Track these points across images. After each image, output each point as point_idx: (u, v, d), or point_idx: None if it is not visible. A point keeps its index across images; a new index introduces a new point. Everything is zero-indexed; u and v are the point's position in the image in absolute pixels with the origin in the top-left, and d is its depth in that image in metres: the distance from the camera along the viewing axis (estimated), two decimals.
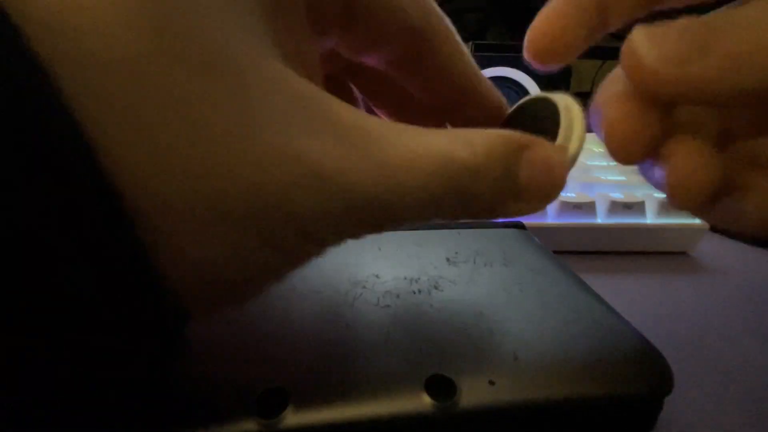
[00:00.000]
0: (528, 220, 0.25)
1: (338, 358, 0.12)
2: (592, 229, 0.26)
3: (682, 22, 0.09)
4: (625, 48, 0.09)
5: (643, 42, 0.09)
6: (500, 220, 0.26)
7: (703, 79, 0.09)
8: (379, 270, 0.17)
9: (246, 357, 0.12)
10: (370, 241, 0.20)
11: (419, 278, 0.17)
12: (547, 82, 0.40)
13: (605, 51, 0.53)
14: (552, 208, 0.27)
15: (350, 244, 0.22)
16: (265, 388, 0.11)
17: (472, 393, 0.11)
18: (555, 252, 0.20)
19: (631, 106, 0.10)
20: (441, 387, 0.11)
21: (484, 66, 0.39)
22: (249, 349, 0.13)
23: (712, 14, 0.09)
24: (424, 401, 0.11)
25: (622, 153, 0.10)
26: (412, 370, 0.12)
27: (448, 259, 0.18)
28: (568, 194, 0.27)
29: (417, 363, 0.12)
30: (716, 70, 0.08)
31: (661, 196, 0.27)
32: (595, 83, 0.65)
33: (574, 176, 0.30)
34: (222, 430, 0.10)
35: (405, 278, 0.17)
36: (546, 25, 0.11)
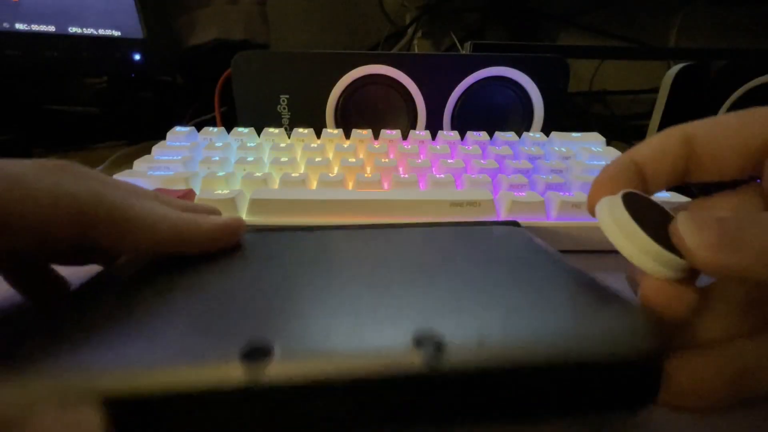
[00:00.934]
0: (528, 220, 0.25)
1: (327, 319, 0.12)
2: (592, 228, 0.26)
3: (719, 216, 0.12)
4: (672, 229, 0.13)
5: (687, 228, 0.12)
6: (499, 219, 0.26)
7: (731, 266, 0.11)
8: (377, 265, 0.17)
9: (232, 314, 0.13)
10: (370, 239, 0.20)
11: (415, 272, 0.17)
12: (546, 82, 0.40)
13: (603, 51, 0.53)
14: (552, 208, 0.27)
15: (347, 242, 0.22)
16: (249, 341, 0.11)
17: (461, 351, 0.11)
18: None
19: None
20: (430, 345, 0.11)
21: (483, 66, 0.39)
22: (238, 314, 0.13)
23: (741, 213, 0.13)
24: (413, 358, 0.11)
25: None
26: (401, 328, 0.12)
27: (445, 257, 0.18)
28: (567, 194, 0.27)
29: (406, 322, 0.12)
30: (743, 261, 0.11)
31: (659, 195, 0.27)
32: (592, 83, 0.65)
33: (573, 176, 0.30)
34: (207, 382, 0.10)
35: (400, 272, 0.17)
36: (597, 191, 0.16)
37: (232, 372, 0.11)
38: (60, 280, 0.20)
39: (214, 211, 0.21)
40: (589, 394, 0.12)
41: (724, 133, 0.14)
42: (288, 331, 0.12)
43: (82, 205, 0.14)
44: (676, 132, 0.15)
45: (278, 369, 0.11)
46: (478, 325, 0.12)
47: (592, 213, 0.15)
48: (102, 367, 0.11)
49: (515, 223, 0.23)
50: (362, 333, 0.12)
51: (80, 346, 0.12)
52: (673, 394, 0.12)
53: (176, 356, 0.11)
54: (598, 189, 0.15)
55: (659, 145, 0.15)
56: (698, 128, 0.14)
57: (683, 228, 0.12)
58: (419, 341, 0.11)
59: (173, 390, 0.10)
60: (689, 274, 0.13)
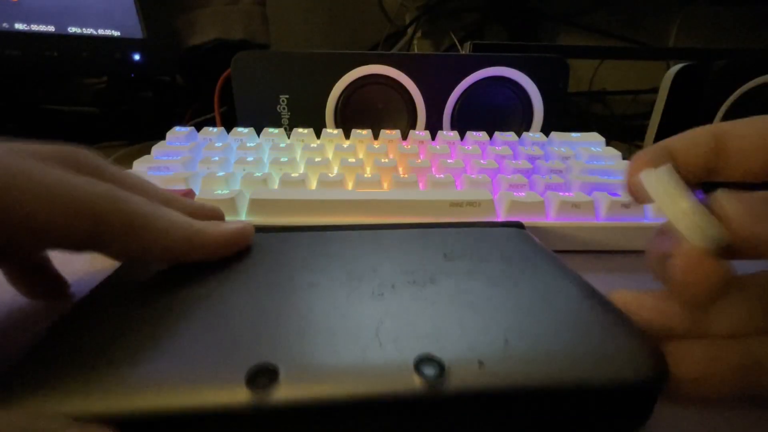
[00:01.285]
0: (527, 220, 0.25)
1: (331, 339, 0.13)
2: (591, 228, 0.26)
3: (759, 193, 0.13)
4: (714, 198, 0.13)
5: (728, 198, 0.13)
6: (499, 219, 0.26)
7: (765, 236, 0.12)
8: (377, 265, 0.17)
9: (240, 338, 0.13)
10: (370, 238, 0.20)
11: (415, 271, 0.17)
12: (545, 82, 0.40)
13: (603, 51, 0.53)
14: (551, 208, 0.27)
15: (348, 241, 0.22)
16: (256, 364, 0.11)
17: (461, 374, 0.11)
18: (554, 251, 0.20)
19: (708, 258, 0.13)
20: (430, 367, 0.11)
21: (482, 66, 0.39)
22: (243, 333, 0.13)
23: None
24: (414, 380, 0.11)
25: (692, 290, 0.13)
26: (402, 351, 0.12)
27: (445, 255, 0.18)
28: (567, 194, 0.27)
29: (408, 344, 0.12)
30: None
31: None
32: (592, 83, 0.65)
33: (573, 176, 0.30)
34: (213, 403, 0.11)
35: (401, 272, 0.17)
36: (638, 166, 0.16)
37: (238, 395, 0.11)
38: (60, 279, 0.20)
39: (218, 211, 0.21)
40: (583, 418, 0.12)
41: (755, 131, 0.14)
42: (292, 351, 0.12)
43: (94, 208, 0.14)
44: (708, 127, 0.15)
45: (283, 392, 0.11)
46: (478, 347, 0.12)
47: (631, 187, 0.16)
48: (111, 387, 0.11)
49: (519, 224, 0.23)
50: (365, 356, 0.12)
51: (89, 366, 0.12)
52: (679, 382, 0.12)
53: (184, 377, 0.11)
54: (639, 165, 0.16)
55: (692, 136, 0.15)
56: (730, 125, 0.15)
57: (724, 198, 0.13)
58: (421, 364, 0.12)
59: (182, 411, 0.11)
60: (722, 252, 0.13)
